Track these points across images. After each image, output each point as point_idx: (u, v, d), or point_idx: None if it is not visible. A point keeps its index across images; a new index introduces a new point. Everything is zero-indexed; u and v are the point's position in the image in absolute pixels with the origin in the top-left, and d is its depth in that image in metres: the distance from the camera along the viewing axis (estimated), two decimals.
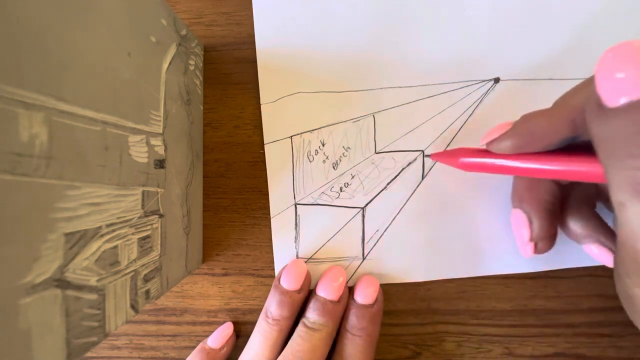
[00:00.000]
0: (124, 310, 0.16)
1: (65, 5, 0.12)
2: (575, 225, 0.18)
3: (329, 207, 0.23)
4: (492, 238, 0.22)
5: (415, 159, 0.23)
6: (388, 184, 0.23)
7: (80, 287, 0.13)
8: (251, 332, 0.21)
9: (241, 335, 0.23)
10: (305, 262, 0.23)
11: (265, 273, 0.23)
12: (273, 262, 0.23)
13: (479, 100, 0.22)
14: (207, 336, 0.22)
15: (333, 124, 0.23)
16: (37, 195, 0.11)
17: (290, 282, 0.21)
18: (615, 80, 0.11)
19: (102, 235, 0.14)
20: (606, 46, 0.22)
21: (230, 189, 0.24)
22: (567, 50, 0.22)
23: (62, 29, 0.12)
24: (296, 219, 0.23)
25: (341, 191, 0.23)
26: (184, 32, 0.22)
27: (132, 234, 0.16)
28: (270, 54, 0.24)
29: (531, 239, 0.18)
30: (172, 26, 0.20)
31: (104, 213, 0.14)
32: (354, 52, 0.23)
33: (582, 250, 0.19)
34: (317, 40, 0.23)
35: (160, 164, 0.18)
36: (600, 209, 0.19)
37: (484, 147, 0.17)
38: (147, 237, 0.17)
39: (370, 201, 0.23)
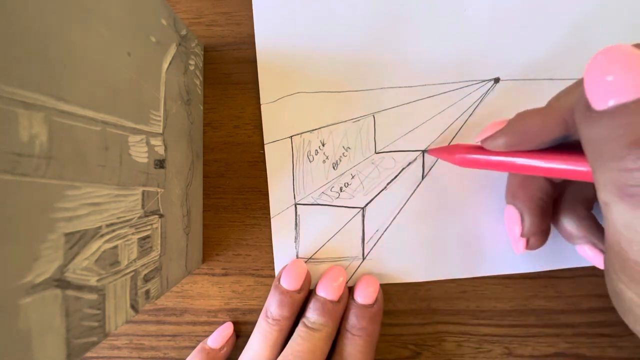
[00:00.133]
0: (124, 310, 0.16)
1: (65, 5, 0.12)
2: (569, 225, 0.19)
3: (329, 207, 0.23)
4: (492, 238, 0.22)
5: (415, 159, 0.23)
6: (388, 184, 0.23)
7: (80, 287, 0.13)
8: (251, 332, 0.21)
9: (241, 335, 0.23)
10: (305, 262, 0.23)
11: (265, 273, 0.23)
12: (273, 262, 0.23)
13: (479, 100, 0.22)
14: (207, 336, 0.22)
15: (333, 124, 0.23)
16: (37, 195, 0.11)
17: (290, 282, 0.21)
18: (603, 84, 0.11)
19: (102, 235, 0.14)
20: (606, 45, 0.22)
21: (230, 189, 0.24)
22: (566, 50, 0.22)
23: (62, 29, 0.12)
24: (296, 219, 0.23)
25: (341, 191, 0.23)
26: (184, 32, 0.22)
27: (132, 234, 0.16)
28: (270, 54, 0.24)
29: (522, 235, 0.19)
30: (172, 26, 0.20)
31: (104, 213, 0.14)
32: (354, 52, 0.23)
33: None
34: (317, 40, 0.23)
35: (160, 164, 0.18)
36: (597, 211, 0.19)
37: (480, 143, 0.18)
38: (147, 237, 0.17)
39: (370, 201, 0.23)
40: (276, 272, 0.23)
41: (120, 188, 0.15)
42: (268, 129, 0.23)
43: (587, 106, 0.12)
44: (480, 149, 0.18)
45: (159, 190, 0.18)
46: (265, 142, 0.23)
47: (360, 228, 0.23)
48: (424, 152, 0.23)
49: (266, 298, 0.22)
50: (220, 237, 0.24)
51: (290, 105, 0.23)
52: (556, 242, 0.20)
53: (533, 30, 0.22)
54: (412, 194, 0.23)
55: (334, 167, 0.23)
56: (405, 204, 0.22)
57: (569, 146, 0.15)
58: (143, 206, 0.17)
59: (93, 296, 0.13)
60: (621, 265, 0.12)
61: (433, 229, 0.22)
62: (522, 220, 0.19)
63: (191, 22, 0.25)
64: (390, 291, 0.23)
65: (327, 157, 0.23)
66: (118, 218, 0.15)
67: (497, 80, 0.22)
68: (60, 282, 0.12)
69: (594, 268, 0.21)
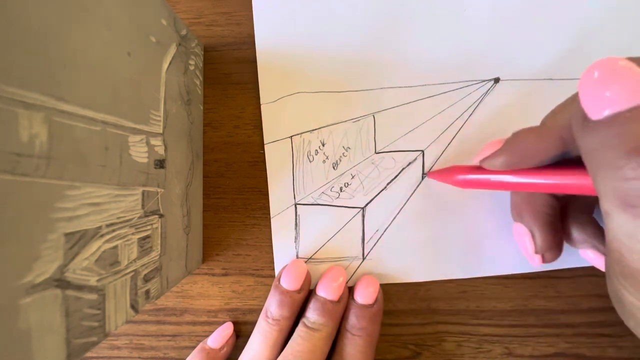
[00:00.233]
0: (124, 310, 0.16)
1: (65, 5, 0.12)
2: (572, 230, 0.19)
3: (329, 207, 0.23)
4: (492, 238, 0.22)
5: (415, 159, 0.23)
6: (388, 184, 0.23)
7: (80, 287, 0.13)
8: (251, 332, 0.21)
9: (241, 335, 0.23)
10: (305, 262, 0.23)
11: (265, 273, 0.23)
12: (273, 262, 0.23)
13: (479, 100, 0.22)
14: (207, 336, 0.22)
15: (333, 124, 0.23)
16: (37, 195, 0.11)
17: (290, 282, 0.21)
18: (599, 94, 0.11)
19: (102, 235, 0.14)
20: (606, 47, 0.22)
21: (230, 189, 0.24)
22: (566, 50, 0.22)
23: (62, 29, 0.12)
24: (296, 219, 0.23)
25: (341, 191, 0.23)
26: (184, 32, 0.22)
27: (132, 234, 0.16)
28: (270, 54, 0.24)
29: (536, 252, 0.19)
30: (172, 26, 0.20)
31: (104, 213, 0.14)
32: (354, 52, 0.23)
33: None
34: (317, 40, 0.23)
35: (160, 164, 0.18)
36: (597, 214, 0.19)
37: (479, 164, 0.18)
38: (147, 237, 0.17)
39: (370, 201, 0.23)
40: (276, 272, 0.23)
41: (120, 188, 0.15)
42: (268, 129, 0.23)
43: (584, 117, 0.12)
44: (479, 169, 0.18)
45: (159, 190, 0.18)
46: (265, 142, 0.23)
47: (360, 228, 0.23)
48: (424, 152, 0.23)
49: (266, 298, 0.22)
50: (220, 237, 0.24)
51: (290, 105, 0.23)
52: None
53: (533, 30, 0.22)
54: (412, 194, 0.23)
55: (334, 167, 0.23)
56: (405, 204, 0.22)
57: (568, 162, 0.15)
58: (143, 206, 0.17)
59: (93, 296, 0.13)
60: (622, 271, 0.12)
61: (433, 229, 0.22)
62: (534, 237, 0.18)
63: (191, 22, 0.25)
64: (390, 291, 0.23)
65: (327, 157, 0.23)
66: (118, 218, 0.15)
67: (497, 80, 0.22)
68: (60, 282, 0.12)
69: (593, 268, 0.21)
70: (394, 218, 0.22)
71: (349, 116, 0.23)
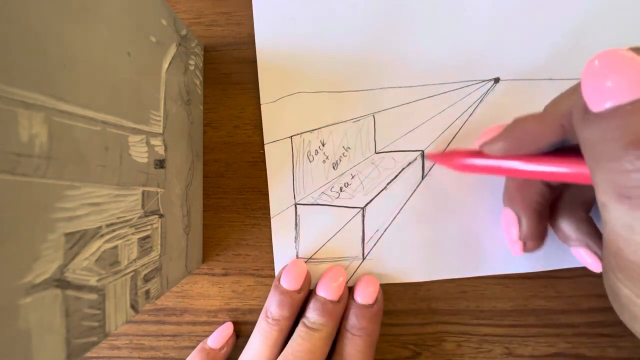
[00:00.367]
0: (124, 310, 0.16)
1: (65, 5, 0.12)
2: (566, 227, 0.19)
3: (329, 207, 0.23)
4: (492, 238, 0.22)
5: (415, 159, 0.23)
6: (388, 184, 0.23)
7: (80, 287, 0.13)
8: (251, 332, 0.21)
9: (241, 335, 0.23)
10: (305, 262, 0.23)
11: (265, 273, 0.23)
12: (273, 262, 0.23)
13: (479, 100, 0.22)
14: (207, 336, 0.22)
15: (333, 124, 0.23)
16: (37, 195, 0.11)
17: (290, 282, 0.21)
18: (600, 87, 0.11)
19: (102, 235, 0.14)
20: (606, 46, 0.22)
21: (230, 189, 0.24)
22: (567, 50, 0.22)
23: (62, 29, 0.12)
24: (296, 219, 0.23)
25: (341, 191, 0.23)
26: (184, 32, 0.22)
27: (132, 234, 0.16)
28: (270, 54, 0.24)
29: (520, 238, 0.19)
30: (172, 26, 0.20)
31: (104, 213, 0.14)
32: (354, 52, 0.23)
33: None
34: (317, 40, 0.23)
35: (160, 164, 0.18)
36: (595, 214, 0.19)
37: (479, 148, 0.18)
38: (147, 237, 0.17)
39: (370, 201, 0.23)
40: (276, 272, 0.23)
41: (120, 188, 0.15)
42: (268, 129, 0.23)
43: (585, 109, 0.12)
44: (478, 154, 0.18)
45: (159, 190, 0.18)
46: (265, 142, 0.23)
47: (360, 228, 0.23)
48: (423, 152, 0.23)
49: (266, 298, 0.22)
50: (220, 237, 0.24)
51: (290, 105, 0.23)
52: (556, 242, 0.20)
53: (533, 30, 0.22)
54: (412, 194, 0.23)
55: (334, 167, 0.23)
56: (405, 204, 0.22)
57: (566, 150, 0.15)
58: (143, 206, 0.17)
59: (93, 296, 0.13)
60: (618, 264, 0.12)
61: (433, 229, 0.22)
62: (520, 223, 0.19)
63: (191, 22, 0.25)
64: (390, 291, 0.23)
65: (327, 157, 0.23)
66: (118, 218, 0.15)
67: (497, 80, 0.22)
68: (60, 282, 0.12)
69: None
70: (394, 218, 0.22)
71: (349, 116, 0.23)
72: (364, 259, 0.23)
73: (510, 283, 0.22)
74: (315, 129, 0.23)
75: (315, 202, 0.23)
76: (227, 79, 0.24)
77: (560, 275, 0.22)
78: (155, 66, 0.18)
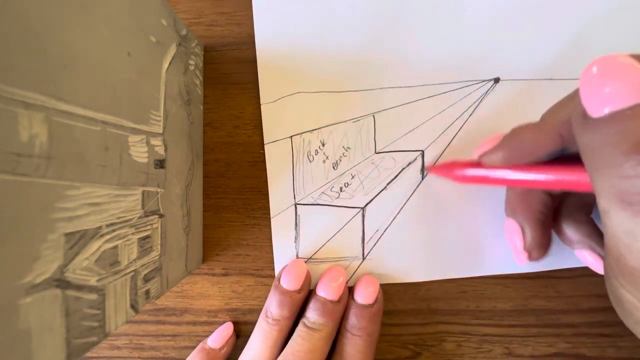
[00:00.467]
0: (124, 310, 0.16)
1: (65, 5, 0.12)
2: (568, 230, 0.19)
3: (329, 207, 0.23)
4: (492, 238, 0.22)
5: (415, 159, 0.23)
6: (388, 184, 0.23)
7: (80, 287, 0.13)
8: (251, 332, 0.21)
9: (241, 335, 0.23)
10: (305, 262, 0.23)
11: (265, 273, 0.23)
12: (273, 262, 0.23)
13: (479, 100, 0.22)
14: (207, 336, 0.22)
15: (333, 124, 0.23)
16: (37, 195, 0.11)
17: (290, 282, 0.21)
18: (599, 92, 0.11)
19: (102, 235, 0.14)
20: (606, 47, 0.22)
21: (230, 189, 0.24)
22: (567, 50, 0.22)
23: (62, 29, 0.12)
24: (296, 219, 0.23)
25: (341, 191, 0.23)
26: (184, 32, 0.22)
27: (132, 234, 0.16)
28: (270, 54, 0.24)
29: (525, 248, 0.19)
30: (172, 26, 0.20)
31: (104, 213, 0.14)
32: (354, 52, 0.23)
33: None
34: (317, 40, 0.23)
35: (160, 164, 0.18)
36: (596, 216, 0.19)
37: (477, 159, 0.18)
38: (147, 237, 0.17)
39: (370, 201, 0.23)
40: (276, 272, 0.23)
41: (120, 188, 0.15)
42: (268, 129, 0.23)
43: (584, 115, 0.12)
44: (478, 165, 0.18)
45: (159, 190, 0.18)
46: (265, 142, 0.23)
47: (360, 228, 0.23)
48: (423, 152, 0.23)
49: (266, 298, 0.22)
50: (220, 237, 0.24)
51: (290, 105, 0.23)
52: (556, 242, 0.20)
53: (533, 30, 0.22)
54: (412, 194, 0.23)
55: (334, 167, 0.23)
56: (405, 204, 0.22)
57: (566, 158, 0.15)
58: (143, 206, 0.17)
59: (93, 296, 0.13)
60: (620, 270, 0.12)
61: (433, 229, 0.22)
62: (524, 234, 0.19)
63: (191, 22, 0.25)
64: (390, 291, 0.23)
65: (327, 157, 0.23)
66: (118, 218, 0.15)
67: (497, 80, 0.22)
68: (60, 282, 0.12)
69: None
70: (394, 218, 0.22)
71: (349, 116, 0.23)
72: (364, 259, 0.23)
73: (510, 283, 0.22)
74: (315, 129, 0.23)
75: (315, 202, 0.23)
76: (227, 79, 0.24)
77: (560, 275, 0.22)
78: (155, 66, 0.18)
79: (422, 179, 0.23)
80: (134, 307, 0.16)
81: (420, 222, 0.22)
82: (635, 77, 0.11)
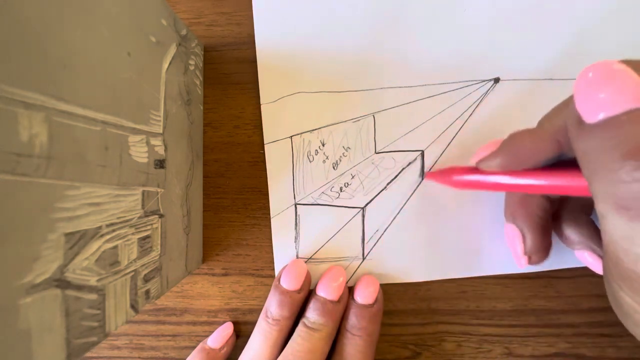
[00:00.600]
0: (124, 310, 0.16)
1: (65, 5, 0.12)
2: (569, 231, 0.19)
3: (329, 207, 0.23)
4: (492, 238, 0.22)
5: (415, 159, 0.23)
6: (388, 184, 0.23)
7: (80, 287, 0.13)
8: (251, 332, 0.21)
9: (241, 335, 0.23)
10: (305, 262, 0.23)
11: (265, 273, 0.23)
12: (273, 262, 0.23)
13: (479, 100, 0.22)
14: (207, 336, 0.22)
15: (333, 124, 0.23)
16: (37, 195, 0.11)
17: (290, 282, 0.21)
18: (593, 98, 0.11)
19: (102, 235, 0.14)
20: (606, 47, 0.22)
21: (230, 189, 0.24)
22: (567, 50, 0.22)
23: (62, 29, 0.12)
24: (296, 219, 0.23)
25: (341, 191, 0.23)
26: (184, 32, 0.22)
27: (132, 234, 0.16)
28: (270, 54, 0.24)
29: (525, 253, 0.19)
30: (172, 26, 0.20)
31: (104, 213, 0.14)
32: (354, 52, 0.23)
33: None
34: (317, 40, 0.23)
35: (160, 164, 0.18)
36: (595, 216, 0.19)
37: (475, 165, 0.18)
38: (147, 237, 0.17)
39: (370, 201, 0.23)
40: (276, 272, 0.23)
41: (120, 188, 0.15)
42: (268, 129, 0.23)
43: (579, 120, 0.12)
44: (475, 171, 0.18)
45: (159, 190, 0.18)
46: (265, 142, 0.23)
47: (360, 228, 0.23)
48: (423, 152, 0.23)
49: (266, 298, 0.22)
50: (220, 237, 0.24)
51: (290, 105, 0.23)
52: (556, 242, 0.20)
53: (533, 30, 0.22)
54: (412, 194, 0.23)
55: (334, 167, 0.23)
56: (405, 204, 0.22)
57: (563, 163, 0.15)
58: (143, 206, 0.17)
59: (93, 296, 0.13)
60: (619, 273, 0.12)
61: (433, 229, 0.22)
62: (524, 238, 0.19)
63: (191, 22, 0.25)
64: (390, 291, 0.23)
65: (327, 157, 0.23)
66: (118, 218, 0.15)
67: (497, 80, 0.22)
68: (60, 282, 0.12)
69: None
70: (394, 218, 0.22)
71: (349, 116, 0.23)
72: (364, 259, 0.23)
73: (510, 283, 0.22)
74: (315, 129, 0.23)
75: (315, 202, 0.23)
76: (227, 79, 0.24)
77: (560, 275, 0.22)
78: (155, 66, 0.18)
79: (422, 179, 0.23)
80: (134, 307, 0.16)
81: (420, 222, 0.22)
82: (630, 82, 0.11)
